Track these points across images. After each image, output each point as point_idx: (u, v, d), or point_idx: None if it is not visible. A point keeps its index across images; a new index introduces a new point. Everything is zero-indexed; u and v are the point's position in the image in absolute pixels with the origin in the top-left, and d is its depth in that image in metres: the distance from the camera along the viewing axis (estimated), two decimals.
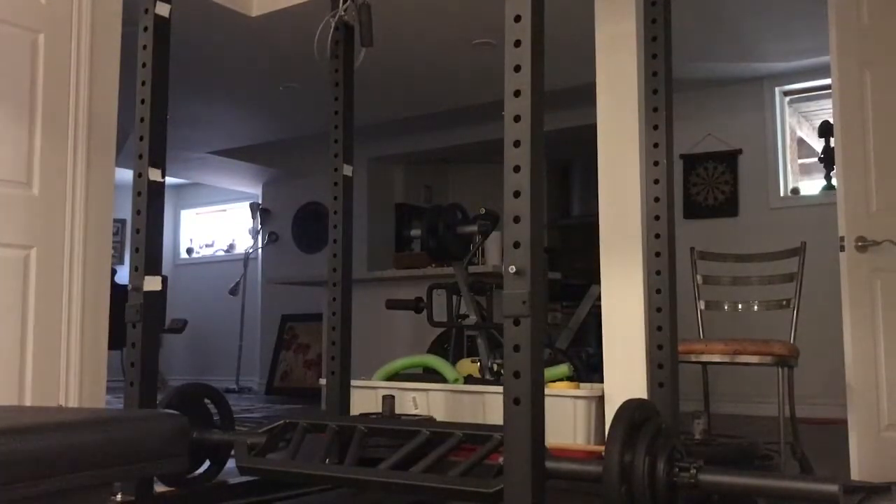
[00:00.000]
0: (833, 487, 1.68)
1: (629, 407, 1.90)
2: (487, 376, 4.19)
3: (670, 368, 2.36)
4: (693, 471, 1.82)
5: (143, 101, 2.55)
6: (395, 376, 4.41)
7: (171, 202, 9.83)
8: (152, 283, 2.50)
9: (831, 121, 3.90)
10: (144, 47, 2.57)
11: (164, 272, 2.71)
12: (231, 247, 9.88)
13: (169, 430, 1.56)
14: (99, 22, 3.28)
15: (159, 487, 2.61)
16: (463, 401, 3.96)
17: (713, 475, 1.83)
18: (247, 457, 2.39)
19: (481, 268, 5.48)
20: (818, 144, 5.93)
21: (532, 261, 1.73)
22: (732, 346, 3.25)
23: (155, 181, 2.53)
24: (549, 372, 3.94)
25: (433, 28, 4.77)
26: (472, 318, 4.64)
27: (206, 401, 2.83)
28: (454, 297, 4.87)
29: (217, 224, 10.13)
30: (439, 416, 3.85)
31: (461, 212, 6.11)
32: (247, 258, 9.09)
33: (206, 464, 2.75)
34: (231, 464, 2.66)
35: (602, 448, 1.90)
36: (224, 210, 10.05)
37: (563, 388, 3.70)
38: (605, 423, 3.39)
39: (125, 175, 2.92)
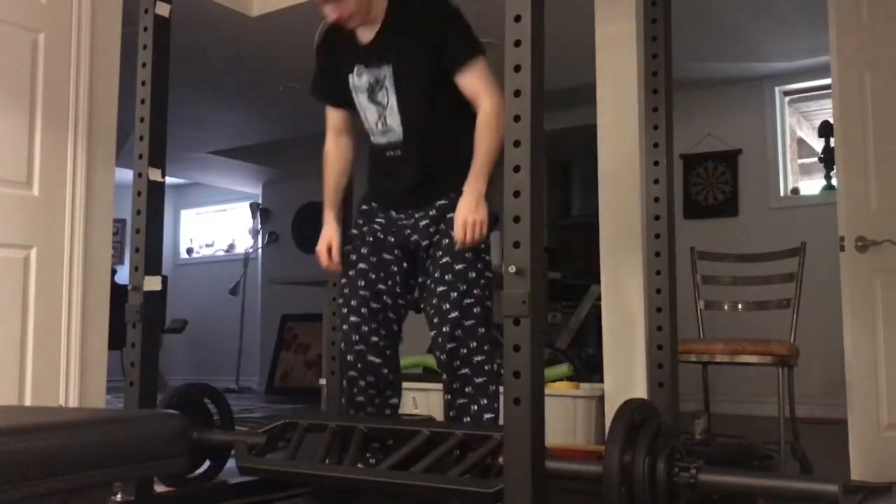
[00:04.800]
0: (833, 487, 1.68)
1: (629, 407, 1.90)
2: None
3: (670, 368, 2.35)
4: (693, 471, 1.82)
5: (143, 101, 2.55)
6: None
7: (171, 202, 9.82)
8: (152, 283, 2.50)
9: (831, 121, 3.89)
10: (144, 47, 2.57)
11: (164, 272, 2.71)
12: (231, 247, 9.88)
13: (169, 430, 1.56)
14: (99, 22, 3.28)
15: (159, 487, 2.61)
16: None
17: (713, 475, 1.83)
18: (246, 457, 2.39)
19: None
20: (818, 144, 5.92)
21: (532, 261, 1.73)
22: (732, 345, 3.25)
23: (155, 181, 2.53)
24: (549, 372, 3.94)
25: None
26: None
27: (206, 401, 2.83)
28: None
29: (217, 224, 10.13)
30: (439, 417, 3.85)
31: None
32: (247, 258, 9.09)
33: (206, 464, 2.75)
34: (231, 464, 2.66)
35: (602, 448, 1.90)
36: (224, 210, 10.05)
37: (563, 388, 3.70)
38: (605, 423, 3.39)
39: (125, 175, 2.92)
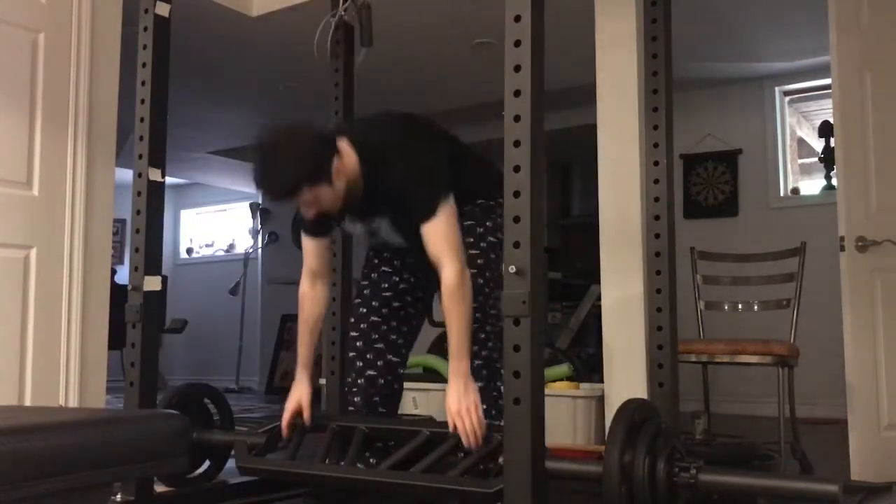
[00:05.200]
0: (833, 487, 1.68)
1: (629, 407, 1.91)
2: None
3: (670, 368, 2.35)
4: (693, 471, 1.82)
5: (143, 101, 2.55)
6: None
7: (171, 202, 9.81)
8: (152, 283, 2.50)
9: (831, 121, 3.89)
10: (144, 47, 2.57)
11: (164, 272, 2.71)
12: (231, 247, 9.87)
13: (169, 430, 1.56)
14: (99, 22, 3.28)
15: (159, 487, 2.61)
16: None
17: (713, 475, 1.83)
18: (246, 457, 2.39)
19: None
20: (818, 144, 5.92)
21: (532, 261, 1.73)
22: (732, 345, 3.25)
23: (155, 181, 2.53)
24: (549, 372, 3.94)
25: (433, 28, 4.76)
26: None
27: (206, 401, 2.83)
28: None
29: (217, 224, 10.13)
30: (439, 417, 3.85)
31: None
32: (247, 258, 9.09)
33: (206, 464, 2.75)
34: (231, 464, 2.66)
35: (602, 448, 1.90)
36: (224, 210, 10.04)
37: (563, 388, 3.70)
38: (605, 423, 3.39)
39: (125, 175, 2.92)
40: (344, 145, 2.32)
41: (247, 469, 2.36)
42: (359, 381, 2.60)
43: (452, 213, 2.28)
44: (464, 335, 2.20)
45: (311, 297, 2.56)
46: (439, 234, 2.26)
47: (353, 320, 2.64)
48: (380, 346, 2.60)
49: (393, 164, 2.32)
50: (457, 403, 2.14)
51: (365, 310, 2.62)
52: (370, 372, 2.59)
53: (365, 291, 2.65)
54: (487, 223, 2.51)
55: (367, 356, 2.58)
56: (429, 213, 2.26)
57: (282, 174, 2.18)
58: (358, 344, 2.61)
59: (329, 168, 2.22)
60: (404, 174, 2.31)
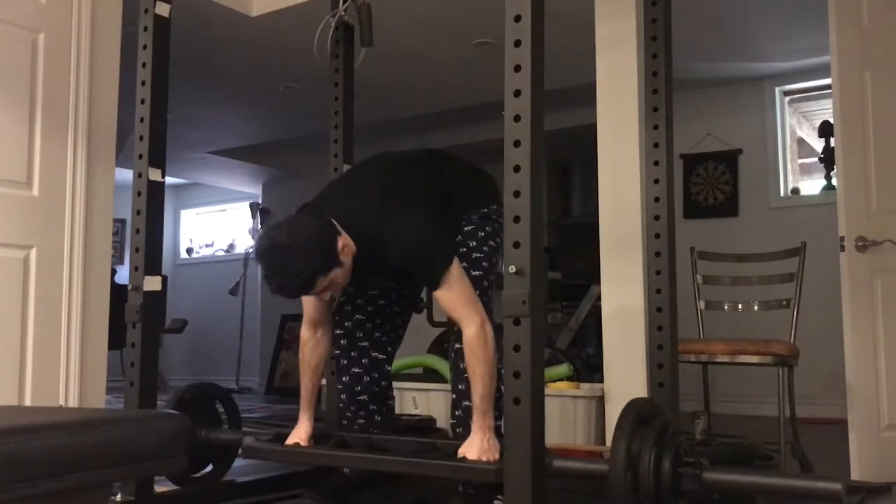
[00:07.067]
0: (836, 485, 1.68)
1: (637, 403, 1.91)
2: None
3: (670, 368, 2.36)
4: (699, 465, 1.82)
5: (143, 101, 2.55)
6: (395, 376, 4.40)
7: (171, 202, 9.81)
8: (152, 283, 2.50)
9: (831, 121, 3.89)
10: (144, 47, 2.57)
11: (164, 272, 2.71)
12: (231, 247, 9.87)
13: (169, 430, 1.56)
14: (99, 22, 3.28)
15: (165, 486, 2.60)
16: None
17: (717, 473, 1.83)
18: (254, 441, 2.38)
19: None
20: (818, 144, 5.92)
21: (532, 261, 1.73)
22: (732, 345, 3.25)
23: (155, 181, 2.53)
24: (549, 372, 3.93)
25: (433, 27, 4.76)
26: None
27: (215, 401, 2.81)
28: None
29: (217, 224, 10.13)
30: (439, 416, 3.85)
31: None
32: (247, 258, 9.08)
33: (215, 463, 2.74)
34: (238, 463, 2.66)
35: (602, 448, 1.90)
36: (224, 210, 10.04)
37: (563, 388, 3.69)
38: (606, 423, 3.39)
39: (125, 175, 2.92)
40: (337, 227, 2.29)
41: (252, 450, 2.35)
42: (343, 378, 2.62)
43: (460, 273, 2.28)
44: (487, 391, 2.15)
45: (312, 342, 2.53)
46: (454, 296, 2.26)
47: (337, 318, 2.65)
48: (364, 343, 2.61)
49: (390, 245, 2.29)
50: (477, 454, 2.08)
51: (350, 307, 2.63)
52: (355, 369, 2.60)
53: (350, 289, 2.64)
54: (487, 228, 2.54)
55: (352, 353, 2.60)
56: (438, 283, 2.25)
57: (297, 274, 2.15)
58: (342, 342, 2.63)
59: (336, 252, 2.22)
60: (406, 257, 2.30)
